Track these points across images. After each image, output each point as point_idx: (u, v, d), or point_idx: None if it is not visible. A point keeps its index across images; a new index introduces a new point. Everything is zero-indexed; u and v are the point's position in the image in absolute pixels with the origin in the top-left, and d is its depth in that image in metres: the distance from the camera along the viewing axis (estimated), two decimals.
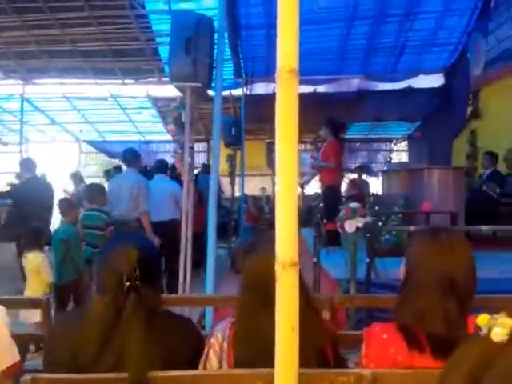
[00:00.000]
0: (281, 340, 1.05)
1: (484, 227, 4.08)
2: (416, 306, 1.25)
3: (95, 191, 4.48)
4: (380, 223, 3.80)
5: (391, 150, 12.94)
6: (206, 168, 7.79)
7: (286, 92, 1.10)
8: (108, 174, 8.73)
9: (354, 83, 9.07)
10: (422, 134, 9.93)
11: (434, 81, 8.90)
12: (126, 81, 8.68)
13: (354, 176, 8.83)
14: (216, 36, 3.51)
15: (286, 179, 1.11)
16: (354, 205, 3.50)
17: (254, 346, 1.27)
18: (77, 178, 8.76)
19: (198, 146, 12.42)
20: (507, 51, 6.32)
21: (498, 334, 0.47)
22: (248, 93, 8.33)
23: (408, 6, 7.04)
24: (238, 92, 8.74)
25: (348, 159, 12.27)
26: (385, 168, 7.59)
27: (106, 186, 5.23)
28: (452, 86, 8.52)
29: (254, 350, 1.25)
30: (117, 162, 13.34)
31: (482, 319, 0.50)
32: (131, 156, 4.96)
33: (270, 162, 12.59)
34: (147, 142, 13.00)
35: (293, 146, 1.13)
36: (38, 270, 3.63)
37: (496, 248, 5.28)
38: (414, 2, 6.98)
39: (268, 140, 11.94)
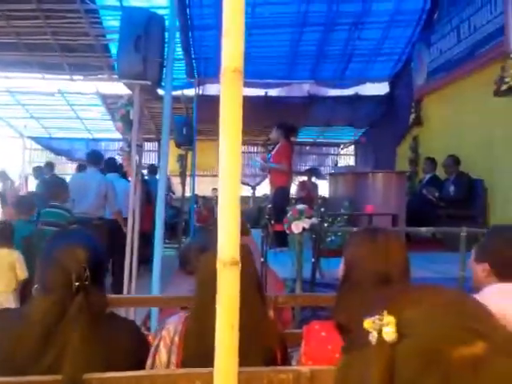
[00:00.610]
0: (221, 338, 1.06)
1: (423, 229, 4.29)
2: (352, 303, 1.26)
3: (58, 187, 4.23)
4: (326, 224, 3.90)
5: (339, 154, 13.32)
6: (152, 169, 7.66)
7: (231, 92, 1.12)
8: (37, 170, 8.16)
9: (305, 88, 9.28)
10: (367, 139, 10.27)
11: (380, 89, 9.27)
12: (75, 77, 8.43)
13: (304, 178, 9.00)
14: (167, 35, 3.49)
15: (228, 179, 1.11)
16: (301, 206, 3.59)
17: (205, 343, 1.28)
18: (2, 176, 8.32)
19: (148, 146, 12.24)
20: (448, 62, 6.67)
21: (389, 333, 0.46)
22: (200, 93, 8.32)
23: (356, 16, 7.29)
24: (190, 92, 8.71)
25: (298, 162, 12.50)
26: (332, 171, 7.79)
27: (36, 183, 5.12)
28: (396, 94, 8.90)
29: (205, 347, 1.26)
30: (64, 159, 12.95)
31: (367, 323, 0.48)
32: (95, 157, 5.25)
33: None
34: (96, 140, 12.67)
35: (236, 146, 1.13)
36: (11, 266, 3.47)
37: (435, 249, 5.56)
38: (362, 12, 7.23)
39: None
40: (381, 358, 0.46)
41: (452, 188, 6.06)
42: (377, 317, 0.48)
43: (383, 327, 0.47)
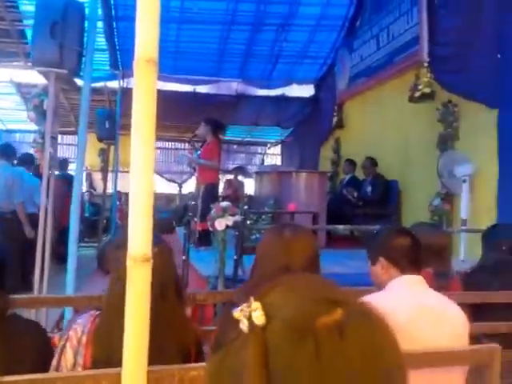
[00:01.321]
0: (129, 337, 1.03)
1: (341, 227, 4.47)
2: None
3: None
4: (250, 222, 3.93)
5: (266, 154, 13.52)
6: (63, 164, 7.24)
7: (144, 82, 1.08)
8: None
9: (233, 87, 9.30)
10: (293, 139, 10.53)
11: (306, 91, 9.52)
12: None
13: (231, 177, 9.03)
14: (88, 23, 3.33)
15: (141, 173, 1.07)
16: (224, 204, 3.59)
17: (114, 343, 1.24)
18: None
19: (68, 139, 11.63)
20: (368, 68, 7.00)
21: (259, 317, 0.49)
22: (125, 86, 8.04)
23: (284, 18, 7.43)
24: (114, 84, 8.39)
25: (226, 160, 12.52)
26: (257, 170, 7.88)
27: None
28: (321, 96, 9.19)
29: (115, 347, 1.22)
30: None
31: (237, 313, 0.50)
32: (7, 150, 5.21)
33: None
34: (9, 132, 11.81)
35: (150, 140, 1.10)
36: None
37: (353, 246, 5.81)
38: (289, 14, 7.38)
39: None
40: (254, 342, 0.48)
41: (369, 188, 6.38)
42: (244, 305, 0.51)
43: (252, 312, 0.50)
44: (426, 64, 5.42)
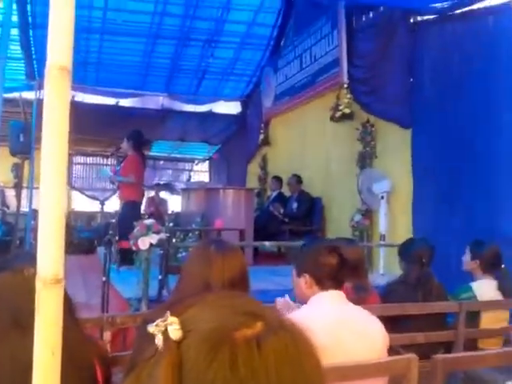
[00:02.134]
0: (39, 364, 0.93)
1: (266, 243, 4.50)
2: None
3: None
4: (175, 240, 3.83)
5: (193, 170, 13.39)
6: None
7: (56, 91, 1.00)
8: None
9: (159, 101, 9.16)
10: (221, 156, 10.54)
11: (233, 108, 9.61)
12: None
13: (152, 193, 8.83)
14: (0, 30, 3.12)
15: (51, 188, 0.99)
16: (148, 221, 3.47)
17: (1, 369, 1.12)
18: None
19: None
20: (292, 87, 7.20)
21: (175, 331, 0.48)
22: (41, 97, 7.61)
23: (210, 34, 7.47)
24: (30, 95, 7.91)
25: (153, 176, 12.23)
26: (184, 186, 7.77)
27: None
28: (247, 114, 9.31)
29: (1, 374, 1.10)
30: None
31: (152, 328, 0.49)
32: None
33: (69, 175, 11.69)
34: None
35: (62, 153, 1.01)
36: None
37: (279, 262, 5.87)
38: (215, 30, 7.43)
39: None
40: (168, 358, 0.47)
41: (295, 205, 6.51)
42: (160, 320, 0.49)
43: (168, 327, 0.48)
44: (345, 85, 5.69)
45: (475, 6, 4.23)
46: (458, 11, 4.39)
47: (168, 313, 0.50)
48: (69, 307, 1.22)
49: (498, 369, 2.48)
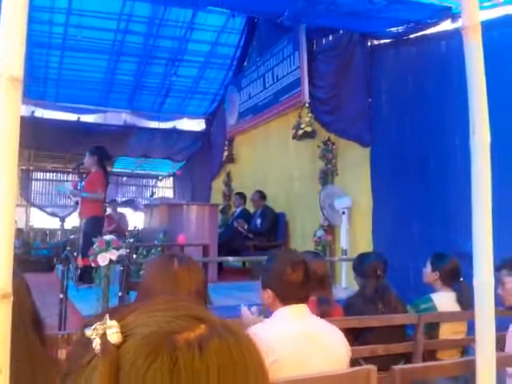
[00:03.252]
0: None
1: (230, 258, 4.50)
2: None
3: None
4: (135, 256, 3.78)
5: (157, 186, 13.28)
6: None
7: (7, 102, 1.00)
8: None
9: (122, 117, 9.08)
10: (185, 172, 10.51)
11: (197, 125, 9.62)
12: None
13: (110, 211, 8.66)
14: None
15: (0, 202, 0.97)
16: (108, 237, 3.41)
17: None
18: None
19: None
20: (256, 106, 7.30)
21: (114, 335, 0.47)
22: None
23: (173, 52, 7.50)
24: None
25: (115, 193, 12.05)
26: (147, 203, 7.68)
27: None
28: (212, 131, 9.35)
29: None
30: None
31: (90, 331, 0.48)
32: None
33: (25, 192, 11.35)
34: None
35: (11, 167, 0.99)
36: None
37: (244, 278, 5.86)
38: (178, 49, 7.48)
39: (23, 167, 10.81)
40: (106, 361, 0.46)
41: (259, 221, 6.55)
42: (98, 323, 0.48)
43: (107, 330, 0.47)
44: (307, 105, 5.83)
45: (428, 31, 4.46)
46: (413, 36, 4.62)
47: (107, 316, 0.49)
48: (35, 321, 1.19)
49: (454, 378, 2.56)
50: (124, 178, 13.17)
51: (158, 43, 7.28)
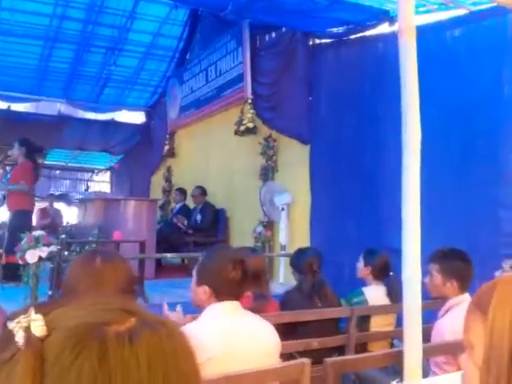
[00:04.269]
0: None
1: (168, 255, 4.42)
2: None
3: None
4: (67, 253, 3.61)
5: (92, 181, 12.79)
6: None
7: None
8: None
9: (56, 107, 8.66)
10: (123, 166, 10.19)
11: (136, 117, 9.37)
12: None
13: (46, 205, 8.26)
14: None
15: None
16: (37, 233, 3.24)
17: None
18: None
19: None
20: (198, 100, 7.21)
21: (39, 327, 0.46)
22: None
23: (113, 41, 7.24)
24: None
25: (48, 187, 11.49)
26: (81, 197, 7.38)
27: None
28: (152, 124, 9.13)
29: None
30: None
31: (12, 325, 0.46)
32: None
33: None
34: None
35: None
36: None
37: (183, 274, 5.79)
38: (118, 38, 7.22)
39: None
40: (30, 354, 0.44)
41: (199, 216, 6.48)
42: (22, 316, 0.46)
43: (31, 323, 0.46)
44: (249, 100, 5.83)
45: (367, 33, 4.60)
46: (352, 37, 4.75)
47: (32, 309, 0.47)
48: None
49: (384, 369, 2.66)
50: (57, 171, 12.58)
51: (97, 31, 6.99)
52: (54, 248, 3.23)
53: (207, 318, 1.66)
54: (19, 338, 0.45)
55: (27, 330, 0.45)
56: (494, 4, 3.00)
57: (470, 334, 0.79)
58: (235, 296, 1.69)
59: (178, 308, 1.91)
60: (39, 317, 0.46)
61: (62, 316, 0.48)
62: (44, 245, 3.19)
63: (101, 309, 0.50)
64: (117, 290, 1.29)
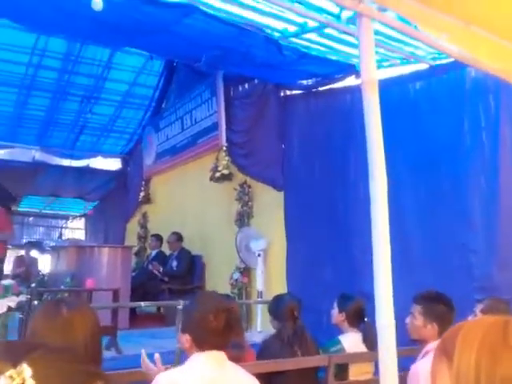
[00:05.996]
0: None
1: (142, 303, 4.33)
2: None
3: None
4: (38, 302, 3.51)
5: (67, 227, 12.57)
6: None
7: None
8: None
9: (30, 154, 8.62)
10: (98, 213, 10.08)
11: (112, 164, 9.37)
12: None
13: (22, 252, 8.07)
14: None
15: None
16: (7, 282, 3.17)
17: None
18: None
19: None
20: (174, 147, 7.30)
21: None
22: None
23: (89, 90, 7.34)
24: None
25: (21, 234, 11.25)
26: (54, 245, 7.23)
27: None
28: (128, 171, 9.14)
29: None
30: None
31: (3, 381, 0.50)
32: None
33: None
34: None
35: None
36: None
37: (158, 324, 5.65)
38: (94, 87, 7.33)
39: None
40: None
41: (175, 263, 6.41)
42: (13, 371, 0.52)
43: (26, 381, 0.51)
44: (224, 148, 5.95)
45: (335, 85, 4.83)
46: (321, 88, 4.98)
47: (24, 365, 0.52)
48: None
49: None
50: (31, 218, 12.35)
51: (74, 80, 7.09)
52: (23, 298, 3.14)
53: (190, 366, 1.65)
54: None
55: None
56: (453, 59, 3.20)
57: (436, 380, 0.78)
58: (217, 346, 1.66)
59: (156, 356, 1.87)
60: (29, 371, 0.52)
61: (46, 372, 0.54)
62: (13, 294, 3.11)
63: (74, 370, 0.57)
64: (87, 339, 1.26)
